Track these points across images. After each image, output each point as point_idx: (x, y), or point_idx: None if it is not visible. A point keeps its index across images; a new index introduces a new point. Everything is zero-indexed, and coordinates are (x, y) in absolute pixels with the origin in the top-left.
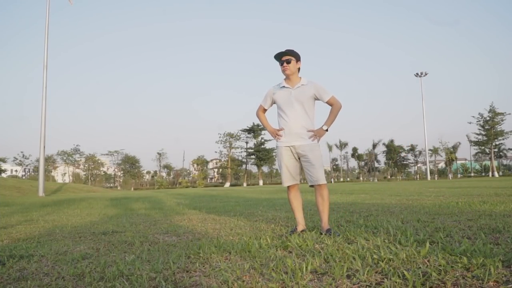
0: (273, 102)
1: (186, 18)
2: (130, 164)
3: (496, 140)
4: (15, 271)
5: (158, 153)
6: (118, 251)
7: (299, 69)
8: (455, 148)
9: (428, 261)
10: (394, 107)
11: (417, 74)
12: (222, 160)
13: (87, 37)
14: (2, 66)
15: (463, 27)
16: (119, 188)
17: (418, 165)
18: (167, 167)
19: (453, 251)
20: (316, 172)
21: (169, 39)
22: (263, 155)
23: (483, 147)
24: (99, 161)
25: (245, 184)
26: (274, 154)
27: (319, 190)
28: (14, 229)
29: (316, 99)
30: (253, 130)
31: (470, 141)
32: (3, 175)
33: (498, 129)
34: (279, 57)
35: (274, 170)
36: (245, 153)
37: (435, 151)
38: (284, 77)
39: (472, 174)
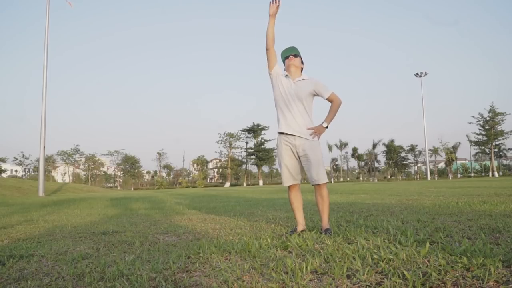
0: (276, 75)
1: (186, 18)
2: (130, 164)
3: (496, 140)
4: (15, 271)
5: (158, 153)
6: (118, 251)
7: (301, 69)
8: (455, 148)
9: (428, 261)
10: (394, 107)
11: (417, 74)
12: (222, 160)
13: (87, 37)
14: (2, 66)
15: (463, 27)
16: (119, 188)
17: (418, 165)
18: (167, 167)
19: (453, 251)
20: (316, 171)
21: (169, 39)
22: (263, 155)
23: (483, 147)
24: (99, 161)
25: (245, 184)
26: (274, 154)
27: (319, 189)
28: (14, 229)
29: (315, 95)
30: (253, 130)
31: (470, 141)
32: (3, 175)
33: (498, 129)
34: (287, 52)
35: (274, 170)
36: (245, 153)
37: (435, 151)
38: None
39: (472, 174)
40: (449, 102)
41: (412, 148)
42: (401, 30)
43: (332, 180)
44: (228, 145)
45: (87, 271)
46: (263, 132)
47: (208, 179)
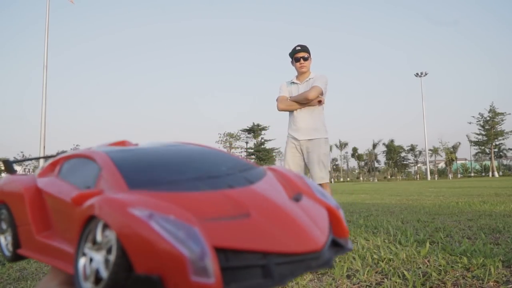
0: (288, 94)
1: (186, 18)
2: None
3: (496, 140)
4: (15, 271)
5: None
6: None
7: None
8: (455, 148)
9: (428, 261)
10: (394, 107)
11: (417, 74)
12: None
13: (87, 37)
14: (2, 66)
15: (463, 27)
16: None
17: (418, 165)
18: None
19: (453, 251)
20: (318, 170)
21: (169, 39)
22: (263, 155)
23: (483, 147)
24: None
25: None
26: (274, 154)
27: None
28: None
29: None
30: (253, 130)
31: (470, 141)
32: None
33: (498, 129)
34: (295, 53)
35: None
36: (245, 153)
37: (435, 151)
38: (297, 74)
39: (472, 174)
40: (449, 102)
41: (412, 148)
42: (401, 30)
43: (332, 180)
44: (228, 145)
45: None
46: (263, 132)
47: None
